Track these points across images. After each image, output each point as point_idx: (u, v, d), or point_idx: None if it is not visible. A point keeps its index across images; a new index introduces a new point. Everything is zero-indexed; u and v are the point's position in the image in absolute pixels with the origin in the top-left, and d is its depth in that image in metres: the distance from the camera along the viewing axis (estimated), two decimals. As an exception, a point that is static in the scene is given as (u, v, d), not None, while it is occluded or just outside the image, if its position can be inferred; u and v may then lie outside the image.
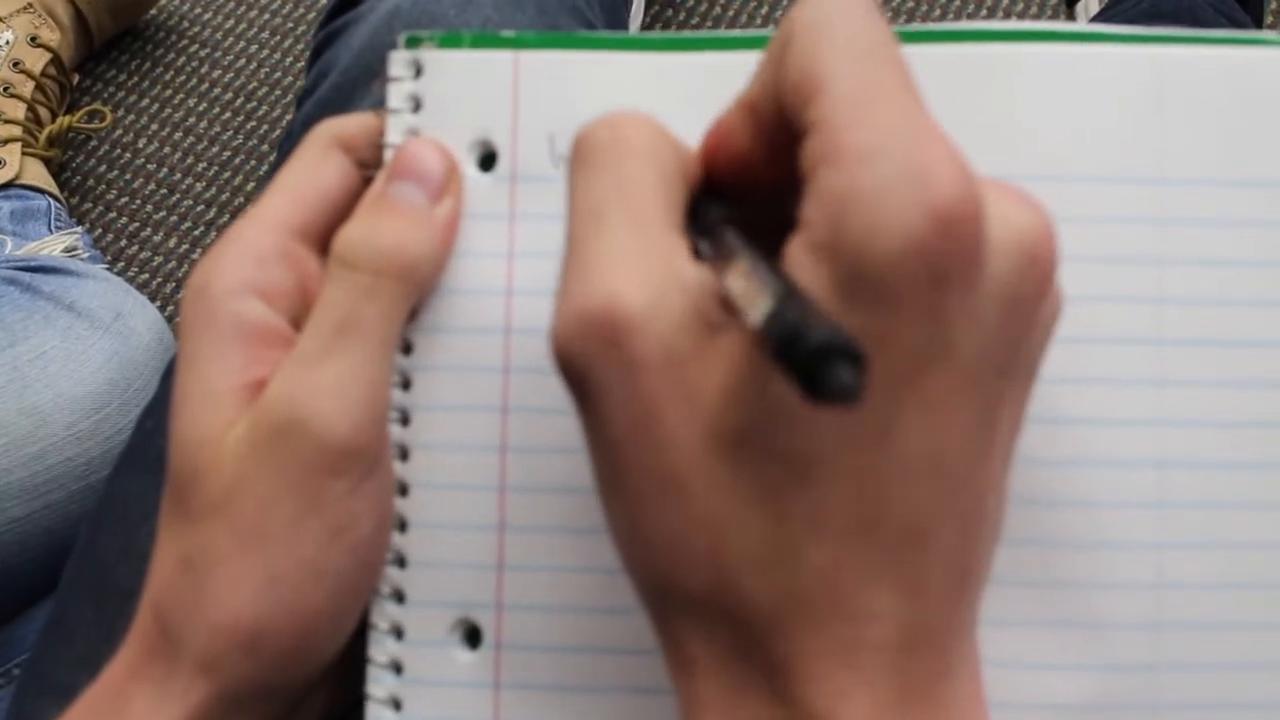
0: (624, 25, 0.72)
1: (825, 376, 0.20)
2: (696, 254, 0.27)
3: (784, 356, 0.21)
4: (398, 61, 0.34)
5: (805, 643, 0.25)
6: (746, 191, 0.28)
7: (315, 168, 0.34)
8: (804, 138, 0.25)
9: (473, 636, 0.33)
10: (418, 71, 0.34)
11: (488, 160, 0.34)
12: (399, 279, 0.32)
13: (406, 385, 0.34)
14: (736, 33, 0.33)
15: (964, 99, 0.32)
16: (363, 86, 0.47)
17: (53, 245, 0.91)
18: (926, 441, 0.24)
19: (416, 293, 0.33)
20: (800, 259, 0.24)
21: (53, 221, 0.95)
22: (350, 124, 0.34)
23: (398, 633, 0.33)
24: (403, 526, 0.33)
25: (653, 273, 0.25)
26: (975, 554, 0.26)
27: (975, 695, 0.26)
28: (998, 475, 0.26)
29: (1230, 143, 0.32)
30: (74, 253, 0.91)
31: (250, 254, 0.32)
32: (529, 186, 0.34)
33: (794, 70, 0.25)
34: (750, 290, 0.23)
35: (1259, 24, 0.92)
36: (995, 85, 0.32)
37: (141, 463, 0.46)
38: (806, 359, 0.20)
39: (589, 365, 0.25)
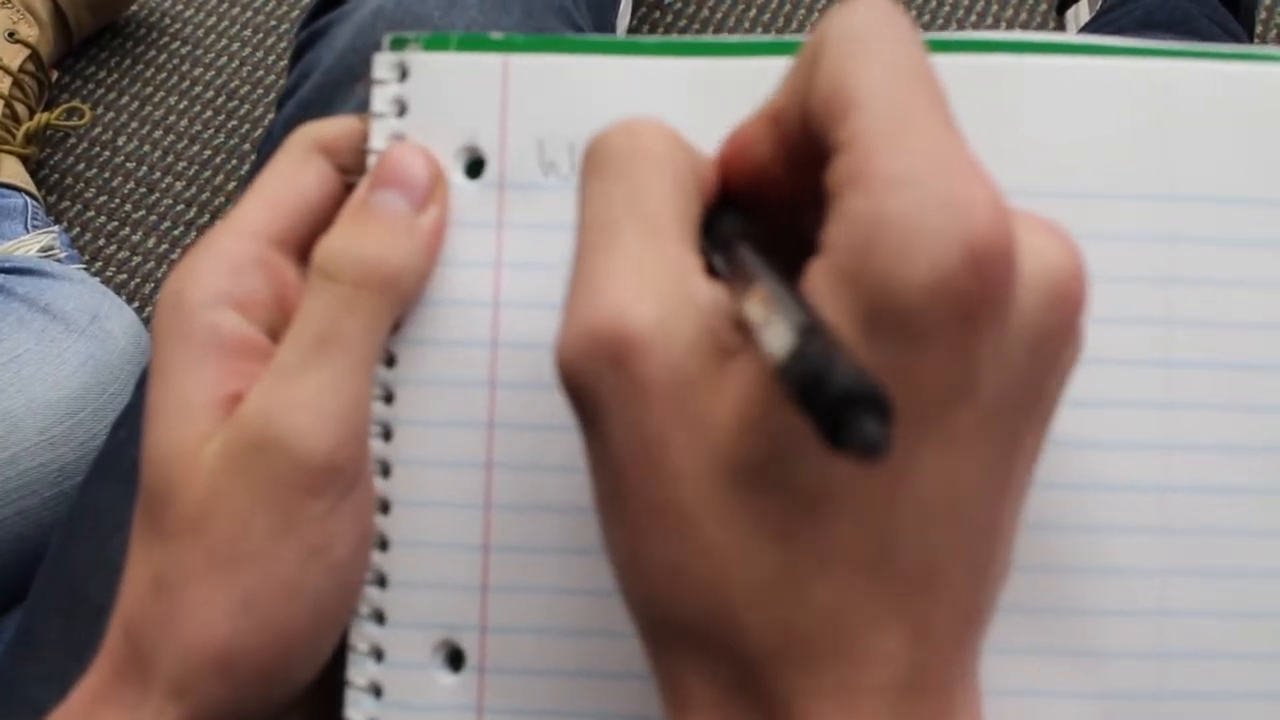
0: (611, 27, 0.71)
1: (850, 428, 0.19)
2: (710, 268, 0.26)
3: (805, 399, 0.20)
4: (382, 64, 0.33)
5: (805, 681, 0.24)
6: (763, 204, 0.28)
7: (294, 173, 0.33)
8: (831, 156, 0.24)
9: (455, 659, 0.32)
10: (403, 74, 0.33)
11: (475, 167, 0.33)
12: (381, 291, 0.31)
13: (389, 399, 0.33)
14: (731, 38, 0.33)
15: (964, 111, 0.31)
16: (345, 88, 0.46)
17: (29, 245, 0.90)
18: (943, 483, 0.23)
19: (400, 305, 0.32)
20: (822, 286, 0.23)
21: (29, 220, 0.94)
22: (332, 128, 0.33)
23: (378, 655, 0.32)
24: (384, 545, 0.32)
25: (664, 290, 0.24)
26: (983, 596, 0.25)
27: None
28: (1010, 517, 0.25)
29: (1235, 160, 0.32)
30: (51, 252, 0.90)
31: (226, 263, 0.31)
32: (517, 194, 0.33)
33: (825, 84, 0.24)
34: (770, 319, 0.22)
35: (1250, 33, 0.92)
36: (997, 97, 0.32)
37: (114, 471, 0.45)
38: (830, 406, 0.20)
39: (594, 385, 0.24)
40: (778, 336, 0.22)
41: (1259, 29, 0.97)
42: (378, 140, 0.33)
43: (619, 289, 0.24)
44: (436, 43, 0.33)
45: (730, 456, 0.24)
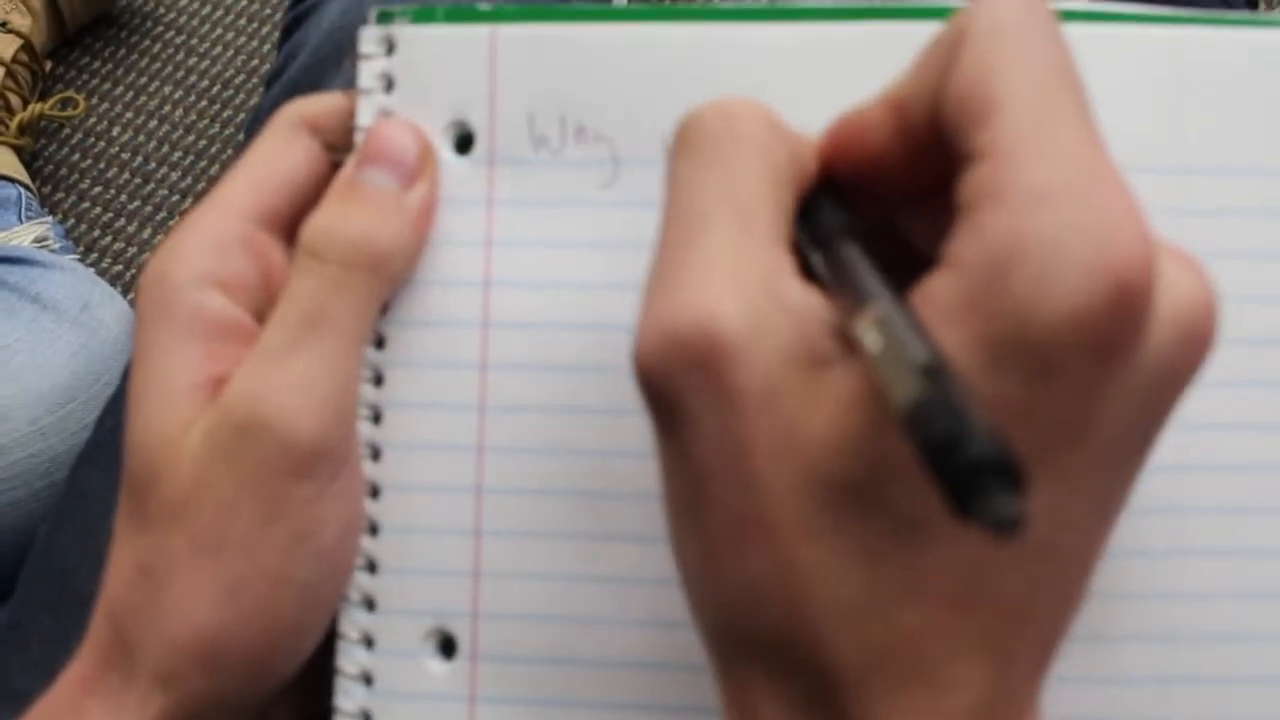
0: None
1: (982, 500, 0.18)
2: (803, 264, 0.25)
3: (934, 459, 0.19)
4: (369, 38, 0.33)
5: (882, 704, 0.23)
6: (866, 195, 0.26)
7: (281, 151, 0.32)
8: (967, 162, 0.22)
9: (447, 646, 0.32)
10: (390, 48, 0.33)
11: (464, 142, 0.32)
12: (370, 271, 0.30)
13: (379, 381, 0.32)
14: (724, 4, 0.32)
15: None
16: (332, 67, 0.46)
17: (22, 235, 0.89)
18: (1048, 520, 0.22)
19: (389, 285, 0.31)
20: (945, 307, 0.22)
21: (23, 211, 0.93)
22: (318, 104, 0.33)
23: (368, 642, 0.32)
24: (374, 530, 0.32)
25: (756, 291, 0.23)
26: (1065, 627, 0.24)
27: None
28: (1103, 549, 0.24)
29: (1254, 129, 0.31)
30: (44, 243, 0.89)
31: (210, 242, 0.31)
32: (508, 170, 0.32)
33: (965, 79, 0.23)
34: (888, 351, 0.21)
35: (1254, 6, 0.91)
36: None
37: (102, 460, 0.44)
38: (963, 473, 0.18)
39: (676, 389, 0.23)
40: (899, 376, 0.20)
41: (1261, 6, 0.97)
42: (365, 117, 0.32)
43: (707, 287, 0.23)
44: (424, 15, 0.32)
45: (824, 473, 0.23)
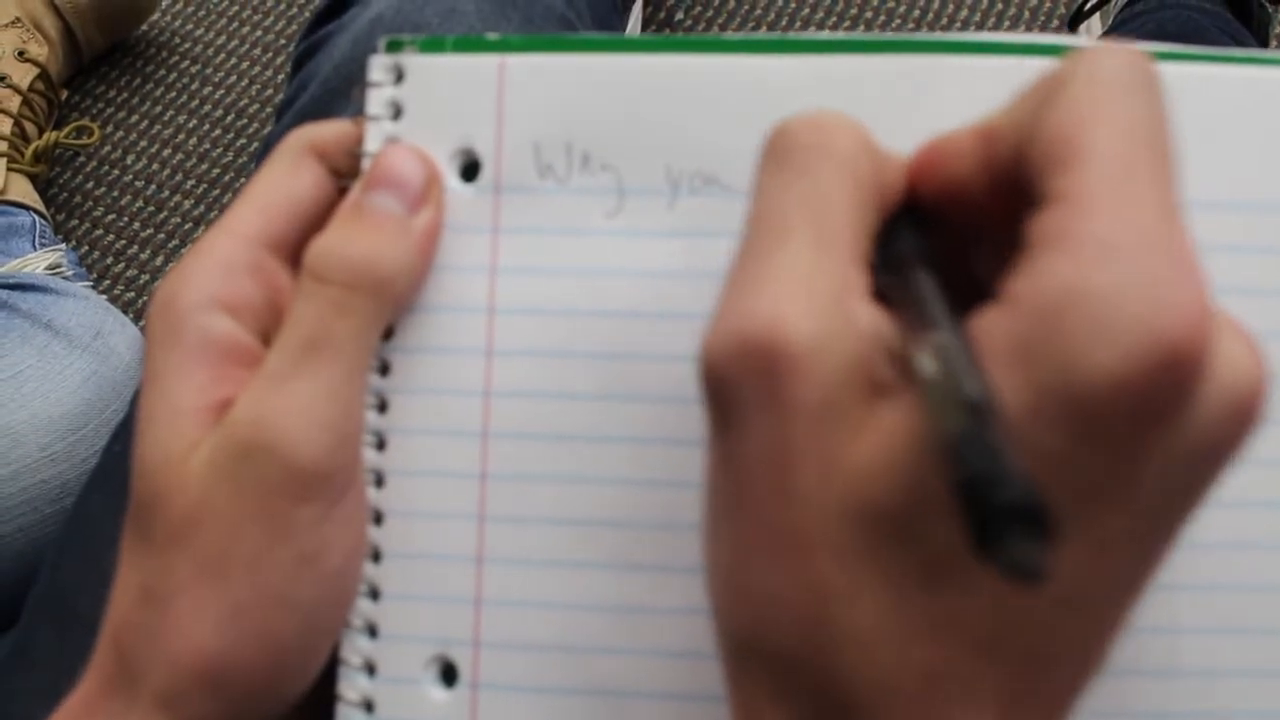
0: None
1: (1006, 545, 0.18)
2: (876, 285, 0.25)
3: (965, 496, 0.19)
4: (378, 66, 0.33)
5: None
6: (944, 221, 0.26)
7: (288, 176, 0.32)
8: (1041, 204, 0.22)
9: (449, 674, 0.32)
10: (399, 77, 0.33)
11: (470, 170, 0.33)
12: (373, 294, 0.30)
13: (383, 408, 0.32)
14: (730, 36, 0.32)
15: (977, 114, 0.31)
16: (342, 98, 0.46)
17: (36, 262, 0.89)
18: (1080, 579, 0.22)
19: (392, 308, 0.31)
20: (998, 345, 0.22)
21: (37, 238, 0.94)
22: (326, 131, 0.33)
23: (370, 669, 0.32)
24: (376, 557, 0.32)
25: (827, 307, 0.23)
26: (1083, 685, 0.24)
27: None
28: (1125, 617, 0.24)
29: (1251, 164, 0.31)
30: (58, 270, 0.90)
31: (218, 266, 0.31)
32: (513, 198, 0.32)
33: (1056, 123, 0.23)
34: (941, 383, 0.21)
35: (1264, 45, 0.91)
36: (1002, 99, 0.31)
37: (109, 485, 0.44)
38: (990, 514, 0.18)
39: (736, 391, 0.23)
40: (947, 407, 0.20)
41: (1274, 44, 0.97)
42: (372, 143, 0.33)
43: (780, 297, 0.23)
44: (432, 45, 0.33)
45: (863, 498, 0.23)
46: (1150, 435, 0.21)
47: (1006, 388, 0.21)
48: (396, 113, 0.33)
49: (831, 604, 0.23)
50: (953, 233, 0.26)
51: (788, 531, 0.23)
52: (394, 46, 0.33)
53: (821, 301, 0.23)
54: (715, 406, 0.24)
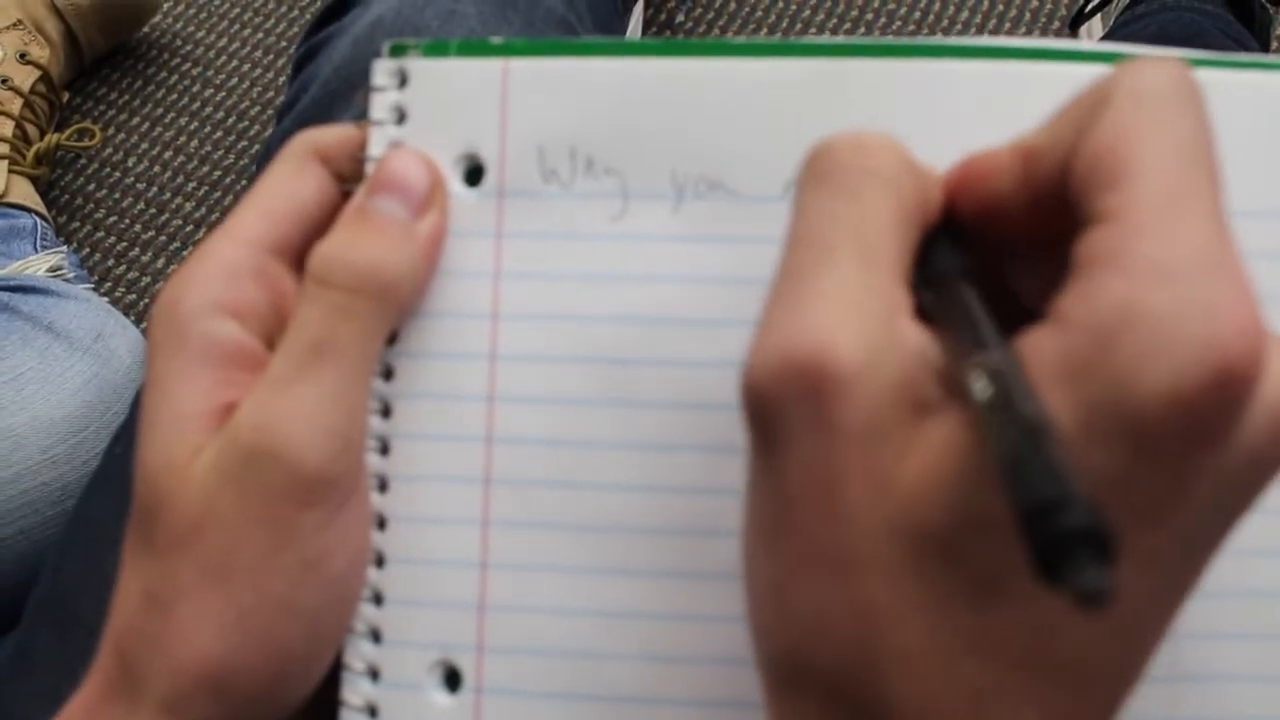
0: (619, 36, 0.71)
1: (1072, 569, 0.18)
2: (918, 304, 0.25)
3: (1029, 522, 0.19)
4: (381, 71, 0.33)
5: None
6: (981, 238, 0.26)
7: (291, 181, 0.32)
8: (1089, 223, 0.22)
9: (452, 679, 0.32)
10: (402, 81, 0.33)
11: (474, 174, 0.32)
12: (377, 298, 0.30)
13: (386, 413, 0.32)
14: (734, 39, 0.32)
15: (976, 118, 0.31)
16: (342, 100, 0.46)
17: (37, 265, 0.89)
18: (1126, 595, 0.22)
19: (395, 312, 0.31)
20: (1048, 365, 0.22)
21: (38, 241, 0.94)
22: (329, 135, 0.33)
23: (373, 674, 0.32)
24: (380, 562, 0.32)
25: (873, 327, 0.23)
26: (1123, 698, 0.24)
27: None
28: (1165, 632, 0.24)
29: (1258, 170, 0.31)
30: (59, 272, 0.90)
31: (222, 270, 0.31)
32: (517, 202, 0.32)
33: (1101, 140, 0.23)
34: (995, 404, 0.21)
35: (1266, 49, 0.91)
36: (1010, 104, 0.31)
37: (110, 488, 0.44)
38: (1055, 540, 0.18)
39: (781, 411, 0.23)
40: (1004, 429, 0.20)
41: (1275, 45, 0.97)
42: (376, 148, 0.33)
43: (827, 316, 0.23)
44: (436, 49, 0.33)
45: (911, 518, 0.23)
46: (1202, 454, 0.21)
47: (1057, 406, 0.21)
48: (400, 117, 0.33)
49: (880, 624, 0.23)
50: (988, 248, 0.26)
51: (835, 552, 0.23)
52: (398, 50, 0.33)
53: (868, 322, 0.23)
54: (759, 426, 0.24)
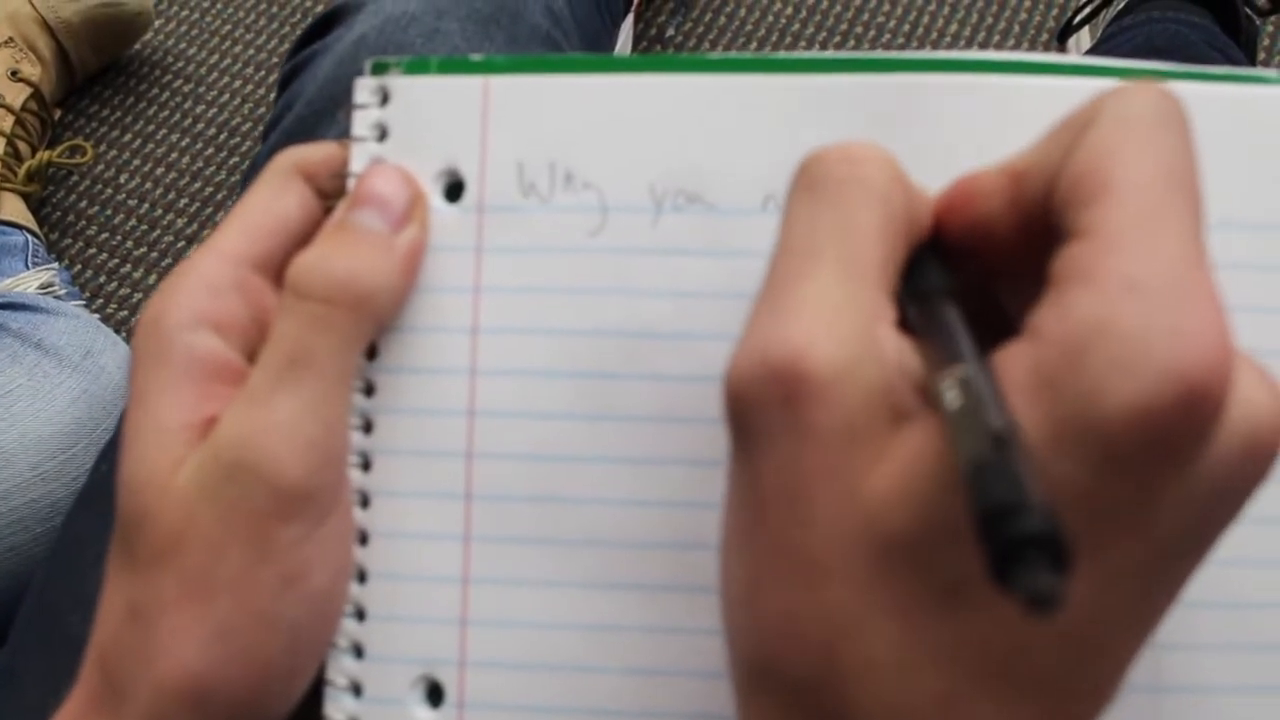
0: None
1: (1024, 572, 0.19)
2: (902, 316, 0.25)
3: (985, 524, 0.19)
4: (363, 88, 0.33)
5: None
6: (969, 258, 0.26)
7: (275, 197, 0.32)
8: (1066, 239, 0.23)
9: (434, 694, 0.32)
10: (384, 98, 0.33)
11: (454, 190, 0.33)
12: (353, 309, 0.30)
13: (368, 428, 0.32)
14: (713, 55, 0.32)
15: (960, 131, 0.31)
16: (327, 118, 0.46)
17: (28, 282, 0.89)
18: (1091, 611, 0.22)
19: (373, 324, 0.31)
20: (1020, 377, 0.22)
21: (30, 258, 0.94)
22: (313, 152, 0.33)
23: (356, 689, 0.32)
24: (362, 577, 0.32)
25: (853, 335, 0.23)
26: (1098, 711, 0.24)
27: None
28: (1138, 649, 0.24)
29: (1239, 183, 0.31)
30: (50, 289, 0.90)
31: (204, 285, 0.31)
32: (497, 217, 0.32)
33: (1084, 160, 0.23)
34: (964, 413, 0.21)
35: (1253, 60, 0.91)
36: (993, 118, 0.31)
37: (96, 505, 0.44)
38: (1010, 543, 0.19)
39: (758, 414, 0.24)
40: (970, 437, 0.21)
41: (1261, 55, 0.97)
42: (358, 164, 0.33)
43: (807, 323, 0.23)
44: (417, 66, 0.33)
45: (879, 525, 0.23)
46: (1166, 470, 0.21)
47: (1027, 418, 0.21)
48: (382, 134, 0.33)
49: (845, 629, 0.23)
50: (979, 268, 0.26)
51: (804, 556, 0.23)
52: (379, 68, 0.33)
53: (848, 330, 0.23)
54: (737, 429, 0.24)
